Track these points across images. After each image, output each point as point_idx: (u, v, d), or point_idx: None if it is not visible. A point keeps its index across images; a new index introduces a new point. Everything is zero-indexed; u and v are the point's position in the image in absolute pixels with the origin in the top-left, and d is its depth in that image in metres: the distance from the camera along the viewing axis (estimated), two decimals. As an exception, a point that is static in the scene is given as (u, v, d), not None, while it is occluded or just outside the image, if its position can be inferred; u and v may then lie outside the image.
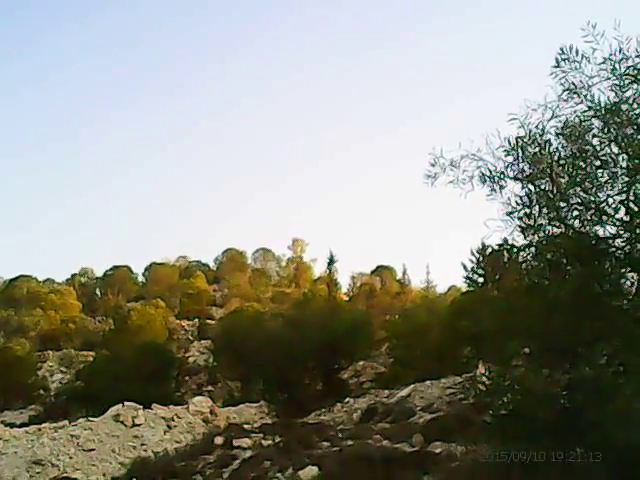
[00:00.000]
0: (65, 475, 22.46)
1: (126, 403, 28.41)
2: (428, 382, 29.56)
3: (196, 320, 77.93)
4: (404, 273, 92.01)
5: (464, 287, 46.39)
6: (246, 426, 28.04)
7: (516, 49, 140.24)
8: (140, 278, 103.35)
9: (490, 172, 9.51)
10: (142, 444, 25.85)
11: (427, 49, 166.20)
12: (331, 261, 73.65)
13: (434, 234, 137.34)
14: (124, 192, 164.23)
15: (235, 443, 23.39)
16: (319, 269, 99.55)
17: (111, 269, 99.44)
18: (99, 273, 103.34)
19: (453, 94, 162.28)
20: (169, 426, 27.94)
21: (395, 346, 45.12)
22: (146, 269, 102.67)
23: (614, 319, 8.55)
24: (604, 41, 8.89)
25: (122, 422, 27.04)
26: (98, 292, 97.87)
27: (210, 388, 50.08)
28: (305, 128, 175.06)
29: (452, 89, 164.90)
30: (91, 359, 55.08)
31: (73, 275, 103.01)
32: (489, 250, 35.01)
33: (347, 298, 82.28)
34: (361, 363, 46.50)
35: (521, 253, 10.23)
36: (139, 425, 27.15)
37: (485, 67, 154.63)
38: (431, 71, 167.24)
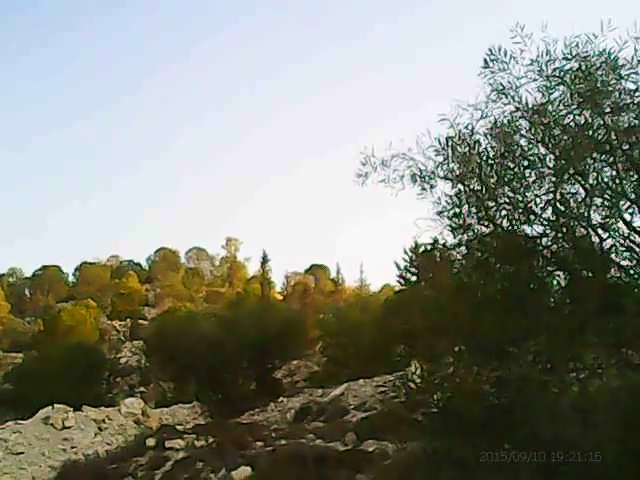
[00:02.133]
0: (-7, 479, 22.03)
1: (56, 405, 27.94)
2: (361, 381, 29.75)
3: (128, 320, 77.13)
4: (338, 272, 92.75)
5: (397, 286, 46.74)
6: (179, 427, 27.86)
7: (446, 49, 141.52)
8: (71, 278, 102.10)
9: (420, 171, 9.56)
10: (72, 447, 25.45)
11: (356, 45, 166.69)
12: (265, 260, 73.83)
13: (367, 233, 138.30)
14: (54, 190, 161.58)
15: (167, 444, 23.22)
16: (253, 268, 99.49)
17: (40, 269, 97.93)
18: (28, 273, 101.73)
19: (384, 92, 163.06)
20: (100, 428, 27.57)
21: (329, 345, 45.29)
22: (77, 269, 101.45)
23: (541, 317, 8.68)
24: (532, 43, 9.01)
25: (52, 425, 26.59)
26: (27, 292, 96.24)
27: (142, 389, 49.66)
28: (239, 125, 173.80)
29: (383, 87, 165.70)
30: (20, 361, 54.04)
31: (1, 275, 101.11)
32: (421, 249, 35.39)
33: (281, 297, 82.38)
34: (295, 362, 46.58)
35: (451, 252, 10.32)
36: (69, 427, 26.73)
37: (415, 66, 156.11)
38: (361, 67, 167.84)
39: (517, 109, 9.21)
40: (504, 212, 9.26)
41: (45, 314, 71.12)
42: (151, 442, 23.75)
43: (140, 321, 74.77)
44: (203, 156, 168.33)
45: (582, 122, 8.84)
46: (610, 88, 8.79)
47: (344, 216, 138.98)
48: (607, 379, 8.49)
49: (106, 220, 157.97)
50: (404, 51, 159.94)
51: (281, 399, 32.28)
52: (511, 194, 9.17)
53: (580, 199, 9.00)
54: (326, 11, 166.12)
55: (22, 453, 24.28)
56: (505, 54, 9.20)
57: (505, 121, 9.29)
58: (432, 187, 9.60)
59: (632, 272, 8.89)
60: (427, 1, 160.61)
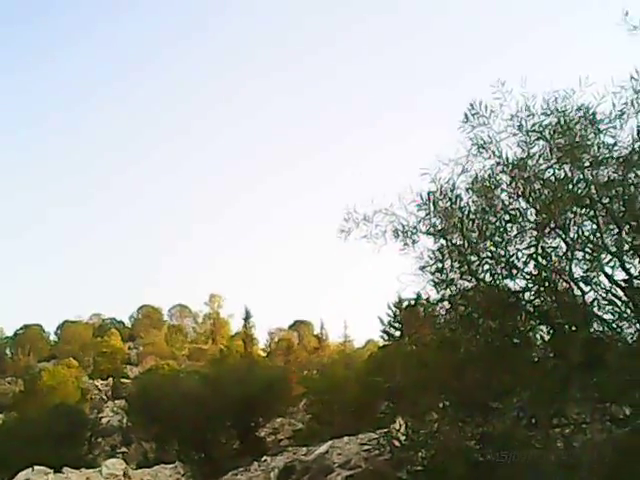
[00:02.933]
0: None
1: (36, 467, 27.43)
2: (346, 438, 29.39)
3: (110, 379, 76.27)
4: (322, 328, 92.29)
5: (381, 341, 46.51)
6: (161, 488, 27.43)
7: (429, 102, 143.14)
8: (52, 337, 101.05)
9: (403, 227, 9.62)
10: (52, 509, 24.99)
11: (340, 101, 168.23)
12: (247, 316, 73.44)
13: (351, 288, 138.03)
14: (34, 247, 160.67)
15: (149, 506, 22.87)
16: (236, 325, 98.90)
17: (22, 328, 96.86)
18: (9, 332, 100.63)
19: (366, 148, 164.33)
20: (80, 490, 27.09)
21: (313, 402, 44.80)
22: (58, 327, 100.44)
23: (524, 372, 8.64)
24: (512, 98, 9.16)
25: (31, 487, 26.12)
26: (8, 352, 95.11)
27: (124, 449, 48.84)
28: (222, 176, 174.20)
29: (365, 143, 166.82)
30: (0, 422, 53.26)
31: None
32: (405, 304, 35.33)
33: (264, 354, 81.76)
34: (279, 420, 46.04)
35: (435, 307, 10.30)
36: (49, 489, 26.26)
37: (397, 121, 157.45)
38: (344, 124, 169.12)
39: (498, 163, 9.30)
40: (486, 266, 9.29)
41: (26, 374, 70.24)
42: (132, 504, 23.38)
43: (122, 380, 73.91)
44: (180, 210, 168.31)
45: (562, 176, 8.92)
46: (589, 142, 8.90)
47: (327, 271, 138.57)
48: (591, 434, 8.42)
49: (88, 278, 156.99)
50: (392, 98, 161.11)
51: (265, 458, 31.78)
52: (493, 248, 9.21)
53: (561, 253, 9.05)
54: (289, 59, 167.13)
55: (1, 516, 23.83)
56: (485, 109, 9.33)
57: (486, 175, 9.39)
58: (414, 242, 9.65)
59: (614, 326, 8.89)
60: (412, 54, 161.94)
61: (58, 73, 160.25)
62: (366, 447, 26.09)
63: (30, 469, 27.28)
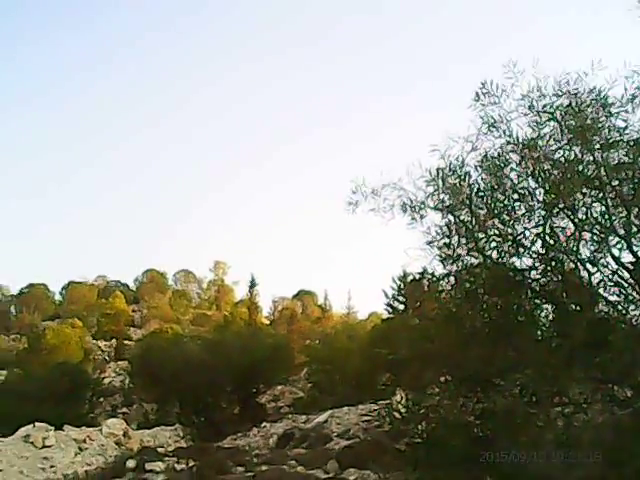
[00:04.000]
0: (-30, 498, 21.78)
1: (37, 424, 27.67)
2: (346, 408, 29.58)
3: (113, 341, 76.63)
4: (325, 298, 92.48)
5: (385, 314, 46.62)
6: (160, 449, 27.61)
7: (440, 80, 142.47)
8: (57, 297, 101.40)
9: (411, 201, 9.60)
10: (51, 466, 25.18)
11: (351, 76, 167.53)
12: (252, 284, 73.52)
13: (357, 260, 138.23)
14: (43, 207, 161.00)
15: (147, 467, 23.01)
16: (241, 292, 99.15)
17: (27, 287, 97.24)
18: (14, 290, 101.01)
19: (377, 124, 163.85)
20: (80, 448, 27.29)
21: (314, 371, 45.04)
22: (63, 288, 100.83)
23: (527, 350, 8.67)
24: (523, 78, 9.11)
25: (32, 443, 26.31)
26: (13, 310, 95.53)
27: (125, 410, 49.22)
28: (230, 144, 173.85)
29: (376, 117, 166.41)
30: (3, 378, 53.58)
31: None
32: (410, 278, 35.37)
33: (268, 322, 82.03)
34: (280, 387, 46.34)
35: (440, 282, 10.32)
36: (49, 446, 26.45)
37: (408, 97, 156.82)
38: (354, 98, 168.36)
39: (508, 142, 9.28)
40: (493, 244, 9.29)
41: (30, 332, 70.56)
42: (131, 464, 23.53)
43: (125, 342, 74.26)
44: (190, 177, 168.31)
45: (572, 157, 8.90)
46: (600, 125, 8.87)
47: (333, 242, 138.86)
48: (592, 414, 8.47)
49: (94, 239, 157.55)
50: (400, 81, 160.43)
51: (264, 424, 32.03)
52: (501, 226, 9.21)
53: (569, 233, 9.05)
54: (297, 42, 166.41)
55: (0, 471, 24.03)
56: (497, 88, 9.28)
57: (496, 154, 9.35)
58: (422, 217, 9.63)
59: (620, 307, 8.91)
60: (423, 34, 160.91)
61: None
62: (366, 418, 26.29)
63: (31, 425, 27.52)
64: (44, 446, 26.37)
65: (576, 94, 9.06)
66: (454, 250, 9.38)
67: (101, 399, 49.33)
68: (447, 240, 9.42)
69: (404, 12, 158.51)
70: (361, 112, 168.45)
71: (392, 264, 34.78)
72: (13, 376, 50.29)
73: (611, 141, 8.91)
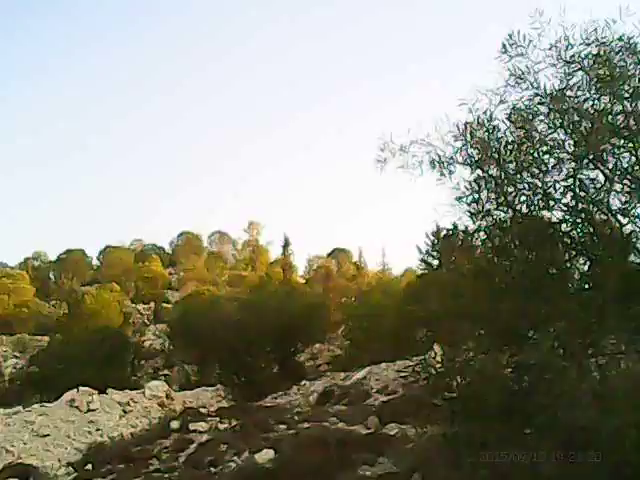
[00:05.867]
0: (20, 461, 22.29)
1: (81, 388, 28.22)
2: (383, 364, 29.75)
3: (152, 304, 77.46)
4: (360, 256, 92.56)
5: (419, 270, 46.57)
6: (202, 410, 28.03)
7: (466, 34, 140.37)
8: (94, 262, 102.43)
9: (439, 157, 9.58)
10: (97, 429, 25.72)
11: (376, 34, 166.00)
12: (286, 244, 73.93)
13: (389, 217, 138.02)
14: (78, 174, 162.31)
15: (191, 427, 23.42)
16: (275, 252, 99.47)
17: (65, 253, 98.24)
18: (53, 257, 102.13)
19: (403, 78, 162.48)
20: (125, 411, 27.83)
21: (351, 329, 45.25)
22: (100, 252, 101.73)
23: (560, 303, 8.68)
24: (550, 28, 9.00)
25: (77, 407, 26.88)
26: (52, 276, 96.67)
27: (166, 372, 49.92)
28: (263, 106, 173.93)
29: (403, 74, 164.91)
30: (45, 344, 54.45)
31: (26, 259, 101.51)
32: (442, 234, 35.25)
33: (303, 281, 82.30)
34: (317, 346, 46.69)
35: (471, 238, 10.32)
36: (94, 410, 27.00)
37: (435, 52, 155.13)
38: (382, 56, 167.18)
39: (536, 94, 9.21)
40: (523, 198, 9.27)
41: (69, 297, 71.41)
42: (175, 425, 23.96)
43: (164, 304, 75.08)
44: (222, 140, 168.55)
45: (601, 107, 8.82)
46: (629, 73, 8.76)
47: (366, 201, 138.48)
48: (626, 365, 8.49)
49: (129, 203, 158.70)
50: (433, 32, 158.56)
51: (304, 382, 32.34)
52: (530, 179, 9.18)
53: (599, 185, 8.99)
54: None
55: (48, 435, 24.57)
56: (524, 39, 9.19)
57: (523, 106, 9.29)
58: (451, 173, 9.62)
59: (652, 257, 8.89)
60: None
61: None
62: (403, 373, 26.45)
63: (75, 390, 28.07)
64: (89, 410, 26.93)
65: (604, 42, 8.95)
66: (483, 205, 9.37)
67: (142, 362, 50.04)
68: (476, 195, 9.40)
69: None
70: (391, 74, 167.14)
71: (424, 220, 34.64)
72: (55, 342, 51.06)
73: (640, 90, 8.81)
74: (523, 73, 9.22)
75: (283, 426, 22.19)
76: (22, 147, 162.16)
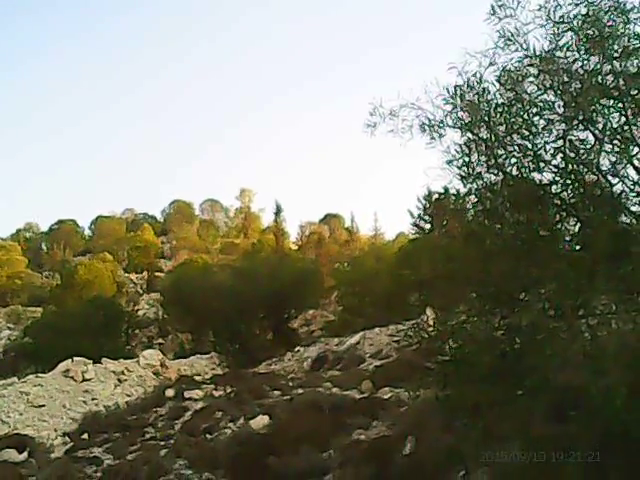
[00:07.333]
0: (16, 432, 22.41)
1: (75, 358, 28.33)
2: (377, 329, 29.92)
3: (145, 273, 77.46)
4: (352, 221, 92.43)
5: (411, 234, 46.62)
6: (197, 378, 28.26)
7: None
8: (86, 232, 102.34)
9: (429, 121, 9.53)
10: (93, 399, 25.86)
11: (367, 6, 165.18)
12: (278, 210, 73.75)
13: (381, 182, 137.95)
14: (67, 145, 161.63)
15: (186, 395, 23.59)
16: (267, 219, 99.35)
17: (56, 223, 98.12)
18: (44, 228, 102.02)
19: (393, 40, 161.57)
20: (120, 380, 27.96)
21: (344, 294, 45.39)
22: (92, 223, 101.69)
23: (551, 264, 8.69)
24: (539, -13, 8.92)
25: (72, 377, 26.99)
26: (44, 247, 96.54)
27: (160, 341, 50.02)
28: (252, 76, 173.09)
29: (391, 36, 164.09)
30: (39, 315, 54.46)
31: (18, 230, 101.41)
32: (434, 197, 35.26)
33: (296, 247, 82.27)
34: (311, 312, 46.84)
35: (462, 201, 10.31)
36: (89, 380, 27.13)
37: (422, 14, 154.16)
38: (367, 17, 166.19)
39: (525, 56, 9.14)
40: (513, 160, 9.24)
41: (62, 268, 71.42)
42: (170, 393, 24.14)
43: (157, 273, 75.08)
44: (213, 107, 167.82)
45: (590, 68, 8.77)
46: (618, 33, 8.70)
47: (357, 165, 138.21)
48: (617, 325, 8.52)
49: (120, 173, 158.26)
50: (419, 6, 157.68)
51: (298, 348, 32.53)
52: (520, 141, 9.14)
53: (589, 145, 8.96)
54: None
55: (43, 406, 24.70)
56: (512, 0, 9.11)
57: (513, 68, 9.23)
58: (441, 136, 9.57)
59: (641, 218, 8.88)
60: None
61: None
62: (396, 338, 26.58)
63: (70, 360, 28.17)
64: (84, 380, 27.06)
65: (593, 2, 8.88)
66: (474, 168, 9.33)
67: (137, 331, 50.20)
68: (466, 158, 9.36)
69: None
70: (382, 48, 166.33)
71: (415, 185, 34.70)
72: (49, 313, 51.08)
73: (630, 49, 8.75)
74: (512, 35, 9.14)
75: (277, 392, 22.38)
76: (14, 121, 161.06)
